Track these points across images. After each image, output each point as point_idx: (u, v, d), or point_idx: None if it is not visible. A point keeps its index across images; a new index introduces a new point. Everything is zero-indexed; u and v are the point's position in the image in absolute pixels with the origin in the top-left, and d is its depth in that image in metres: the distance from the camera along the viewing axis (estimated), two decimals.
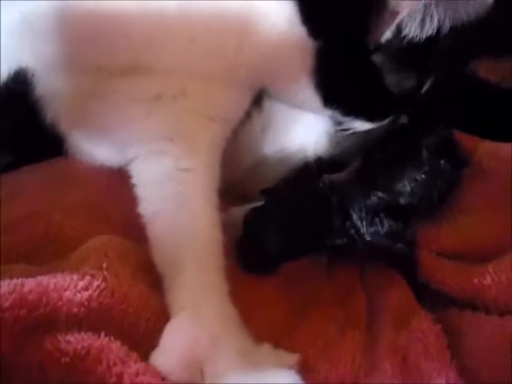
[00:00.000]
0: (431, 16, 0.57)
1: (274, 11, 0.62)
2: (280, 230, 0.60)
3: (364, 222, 0.60)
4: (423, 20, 0.58)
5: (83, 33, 0.62)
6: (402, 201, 0.61)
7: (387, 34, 0.60)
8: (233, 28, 0.63)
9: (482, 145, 0.68)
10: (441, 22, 0.57)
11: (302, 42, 0.62)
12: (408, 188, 0.61)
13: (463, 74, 0.74)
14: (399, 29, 0.59)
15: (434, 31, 0.58)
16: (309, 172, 0.67)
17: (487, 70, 0.77)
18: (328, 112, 0.67)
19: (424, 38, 0.59)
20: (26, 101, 0.65)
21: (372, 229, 0.60)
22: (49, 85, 0.65)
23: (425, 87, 0.66)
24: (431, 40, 0.60)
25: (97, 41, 0.62)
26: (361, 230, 0.60)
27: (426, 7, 0.57)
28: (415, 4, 0.57)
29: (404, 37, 0.59)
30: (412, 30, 0.59)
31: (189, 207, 0.59)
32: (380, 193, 0.60)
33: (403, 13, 0.58)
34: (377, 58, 0.62)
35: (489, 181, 0.64)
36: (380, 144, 0.66)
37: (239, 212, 0.68)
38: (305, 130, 0.72)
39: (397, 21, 0.58)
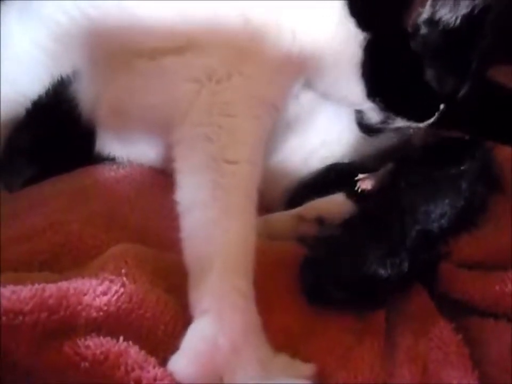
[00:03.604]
0: None
1: (327, 4, 0.65)
2: (348, 282, 0.57)
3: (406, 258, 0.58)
4: (455, 2, 0.59)
5: (140, 20, 0.62)
6: (439, 228, 0.59)
7: (423, 16, 0.61)
8: (288, 14, 0.65)
9: (501, 151, 0.67)
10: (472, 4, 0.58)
11: (352, 35, 0.65)
12: (447, 216, 0.59)
13: (482, 80, 0.74)
14: (433, 14, 0.62)
15: (467, 12, 0.59)
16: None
17: (506, 76, 0.77)
18: (369, 105, 0.68)
19: (458, 22, 0.60)
20: (55, 108, 0.66)
21: (410, 266, 0.58)
22: (92, 78, 0.66)
23: (462, 91, 0.67)
24: (469, 38, 0.62)
25: (153, 25, 0.62)
26: (404, 267, 0.58)
27: None
28: None
29: (439, 21, 0.61)
30: (445, 12, 0.60)
31: (226, 202, 0.57)
32: (418, 227, 0.59)
33: None
34: (416, 46, 0.63)
35: (507, 188, 0.64)
36: (413, 166, 0.64)
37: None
38: (327, 126, 0.73)
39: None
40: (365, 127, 0.73)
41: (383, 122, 0.70)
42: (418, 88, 0.65)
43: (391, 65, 0.65)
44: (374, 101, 0.68)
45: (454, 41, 0.63)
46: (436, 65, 0.64)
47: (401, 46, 0.64)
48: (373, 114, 0.71)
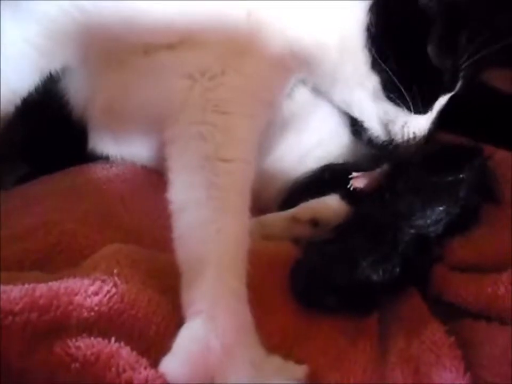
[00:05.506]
0: None
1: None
2: (341, 288, 0.56)
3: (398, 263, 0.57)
4: None
5: (136, 17, 0.62)
6: (433, 233, 0.59)
7: None
8: (287, 11, 0.65)
9: (497, 154, 0.67)
10: None
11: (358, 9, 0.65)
12: (442, 222, 0.59)
13: (476, 84, 0.74)
14: None
15: None
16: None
17: (501, 79, 0.77)
18: (372, 84, 0.67)
19: None
20: (46, 105, 0.66)
21: (403, 270, 0.57)
22: (83, 76, 0.66)
23: (459, 81, 0.67)
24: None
25: (149, 20, 0.62)
26: (396, 272, 0.57)
27: None
28: None
29: None
30: None
31: (220, 201, 0.56)
32: (413, 231, 0.58)
33: None
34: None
35: (502, 193, 0.64)
36: (411, 170, 0.63)
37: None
38: (323, 126, 0.73)
39: None
40: (372, 144, 0.72)
41: (386, 135, 0.70)
42: (422, 59, 0.64)
43: (397, 24, 0.65)
44: (378, 71, 0.66)
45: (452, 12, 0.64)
46: (438, 37, 0.64)
47: (410, 11, 0.64)
48: (375, 127, 0.70)
